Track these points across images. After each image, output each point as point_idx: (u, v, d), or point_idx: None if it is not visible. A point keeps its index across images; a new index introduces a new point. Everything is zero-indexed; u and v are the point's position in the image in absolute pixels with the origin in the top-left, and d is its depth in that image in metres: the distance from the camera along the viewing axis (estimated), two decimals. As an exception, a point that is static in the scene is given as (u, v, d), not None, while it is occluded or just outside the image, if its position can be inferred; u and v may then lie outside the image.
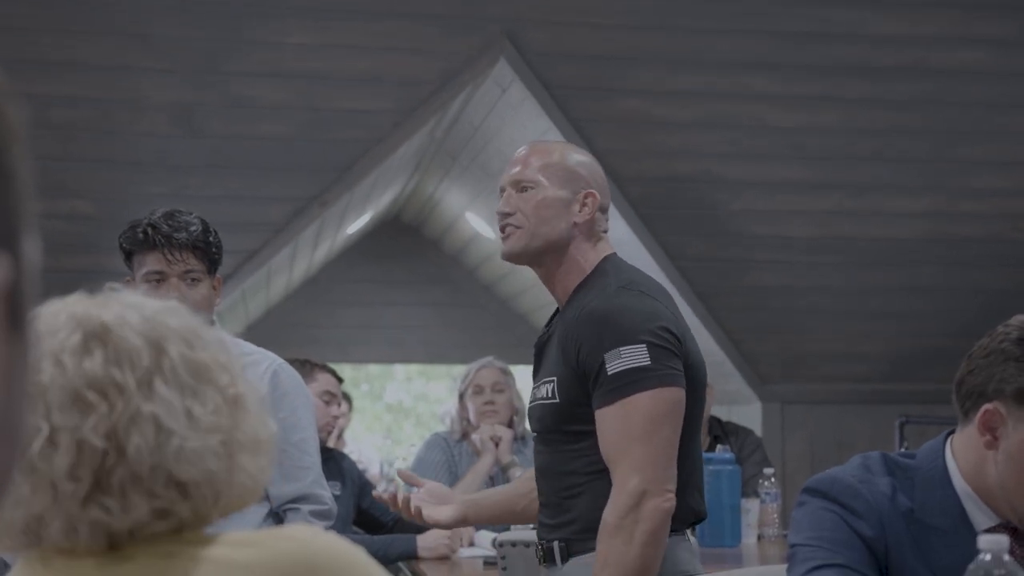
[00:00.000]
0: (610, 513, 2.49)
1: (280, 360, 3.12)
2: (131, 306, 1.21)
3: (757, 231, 5.97)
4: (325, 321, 8.63)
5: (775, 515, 4.45)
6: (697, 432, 2.70)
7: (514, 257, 2.73)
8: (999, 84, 5.74)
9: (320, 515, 3.06)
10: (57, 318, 1.18)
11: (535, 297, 8.02)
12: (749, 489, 4.52)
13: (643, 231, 5.78)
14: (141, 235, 2.92)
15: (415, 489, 2.86)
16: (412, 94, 5.37)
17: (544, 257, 2.70)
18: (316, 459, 3.15)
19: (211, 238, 2.99)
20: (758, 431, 6.05)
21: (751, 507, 4.38)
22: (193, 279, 2.93)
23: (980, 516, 1.98)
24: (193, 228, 2.95)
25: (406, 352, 9.29)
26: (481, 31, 5.34)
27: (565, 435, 2.63)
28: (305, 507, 3.05)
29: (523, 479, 2.96)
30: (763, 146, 5.75)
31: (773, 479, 4.51)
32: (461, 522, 2.90)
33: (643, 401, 2.50)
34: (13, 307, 0.66)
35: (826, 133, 5.77)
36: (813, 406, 6.44)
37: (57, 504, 1.13)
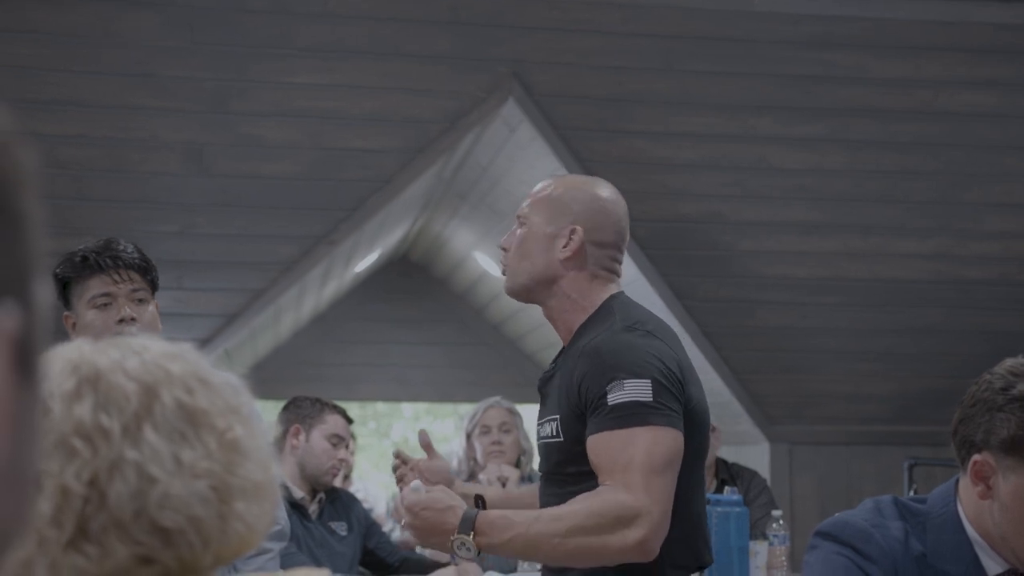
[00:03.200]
0: (609, 493, 2.39)
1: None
2: (134, 351, 1.20)
3: (764, 272, 5.97)
4: (333, 359, 8.63)
5: (784, 557, 4.42)
6: (701, 479, 2.63)
7: (510, 294, 2.71)
8: (1005, 126, 5.75)
9: (274, 536, 3.01)
10: (55, 364, 1.17)
11: (543, 336, 8.01)
12: (757, 531, 4.50)
13: (650, 271, 5.78)
14: (81, 261, 2.87)
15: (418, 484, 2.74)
16: (420, 134, 5.39)
17: (536, 294, 2.66)
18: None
19: (148, 259, 2.97)
20: (766, 472, 6.03)
21: (760, 549, 4.35)
22: (140, 299, 2.89)
23: (990, 562, 1.97)
24: (131, 249, 2.92)
25: (413, 390, 9.28)
26: (490, 72, 5.36)
27: (568, 477, 2.55)
28: None
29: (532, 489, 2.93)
30: (769, 187, 5.76)
31: (781, 521, 4.48)
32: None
33: (645, 435, 2.40)
34: (22, 354, 0.65)
35: (832, 175, 5.77)
36: (821, 447, 6.42)
37: (41, 550, 1.11)
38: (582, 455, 2.51)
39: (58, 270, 2.91)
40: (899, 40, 5.58)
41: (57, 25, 5.01)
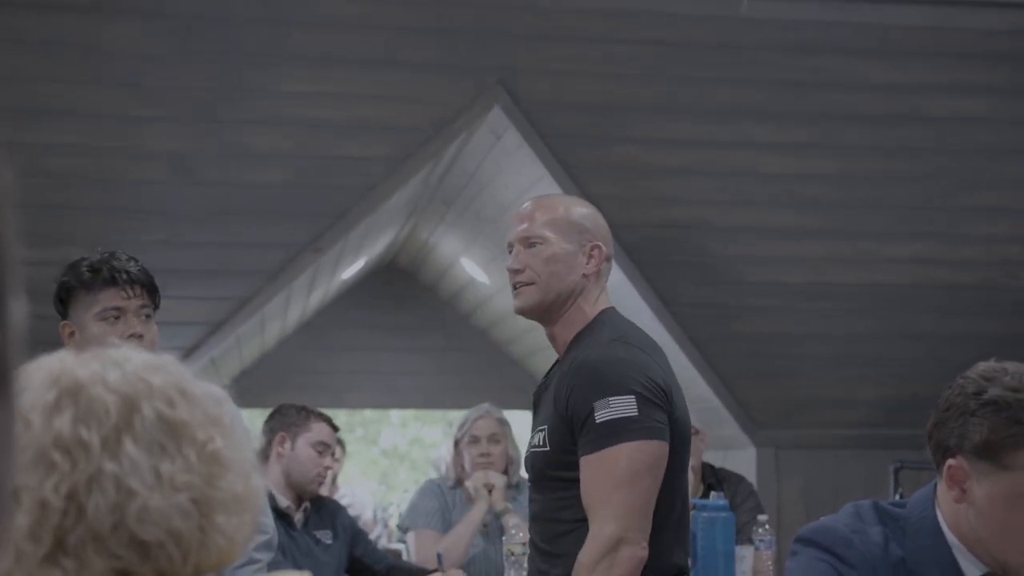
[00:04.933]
0: (585, 555, 2.54)
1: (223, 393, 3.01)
2: (115, 363, 1.19)
3: (751, 277, 5.98)
4: (320, 367, 8.62)
5: (770, 562, 4.42)
6: (683, 486, 2.74)
7: (527, 312, 2.78)
8: (992, 131, 5.77)
9: (262, 547, 3.01)
10: (35, 376, 1.17)
11: (529, 343, 8.02)
12: (743, 536, 4.50)
13: (637, 277, 5.79)
14: (92, 272, 2.86)
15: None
16: (406, 141, 5.39)
17: (554, 311, 2.76)
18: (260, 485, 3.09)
19: (153, 278, 2.97)
20: (752, 476, 6.04)
21: (746, 554, 4.36)
22: (147, 315, 2.90)
23: (969, 566, 1.98)
24: (138, 265, 2.92)
25: (400, 397, 9.28)
26: (476, 79, 5.37)
27: (555, 482, 2.68)
28: None
29: None
30: (757, 193, 5.77)
31: (767, 526, 4.49)
32: None
33: (627, 452, 2.55)
34: None
35: (820, 180, 5.79)
36: (807, 451, 6.44)
37: (19, 564, 1.11)
38: (566, 464, 2.65)
39: (64, 278, 2.91)
40: (886, 46, 5.59)
41: (45, 34, 5.00)
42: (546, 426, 2.69)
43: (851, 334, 6.18)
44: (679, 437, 2.67)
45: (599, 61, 5.42)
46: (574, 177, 5.49)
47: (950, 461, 1.94)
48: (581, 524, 2.61)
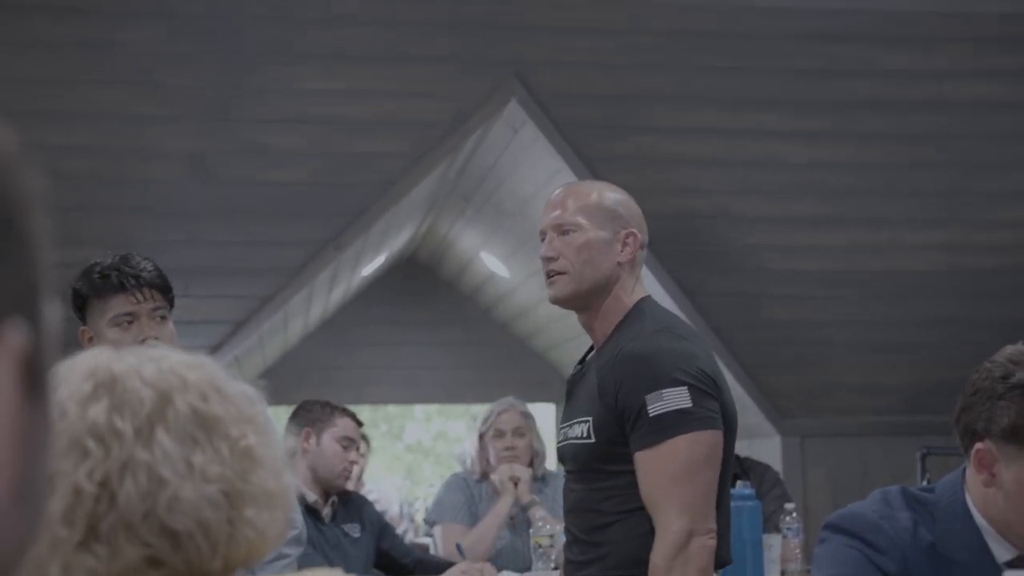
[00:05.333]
0: (659, 556, 2.50)
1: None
2: (151, 359, 1.22)
3: (772, 266, 5.97)
4: (342, 362, 8.64)
5: (798, 550, 4.42)
6: (727, 479, 2.69)
7: (562, 301, 2.73)
8: (1013, 115, 5.74)
9: (291, 542, 3.03)
10: (74, 370, 1.19)
11: (550, 336, 8.02)
12: (770, 525, 4.50)
13: (658, 268, 5.78)
14: (102, 279, 2.86)
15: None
16: (424, 137, 5.39)
17: (591, 299, 2.70)
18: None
19: (166, 277, 2.97)
20: (778, 465, 6.03)
21: (773, 543, 4.35)
22: (162, 316, 2.89)
23: (999, 549, 1.97)
24: (151, 266, 2.91)
25: (423, 392, 9.28)
26: (492, 73, 5.36)
27: (600, 474, 2.63)
28: None
29: None
30: (776, 182, 5.76)
31: (794, 514, 4.48)
32: None
33: (684, 444, 2.51)
34: (32, 373, 0.66)
35: (839, 168, 5.77)
36: (833, 439, 6.42)
37: (53, 550, 1.13)
38: (614, 456, 2.60)
39: (77, 285, 2.91)
40: (904, 32, 5.57)
41: (60, 36, 5.02)
42: (590, 418, 2.62)
43: (875, 321, 6.17)
44: (727, 425, 2.63)
45: (615, 52, 5.41)
46: (592, 169, 5.48)
47: (978, 445, 1.94)
48: (624, 515, 2.58)
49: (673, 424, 2.50)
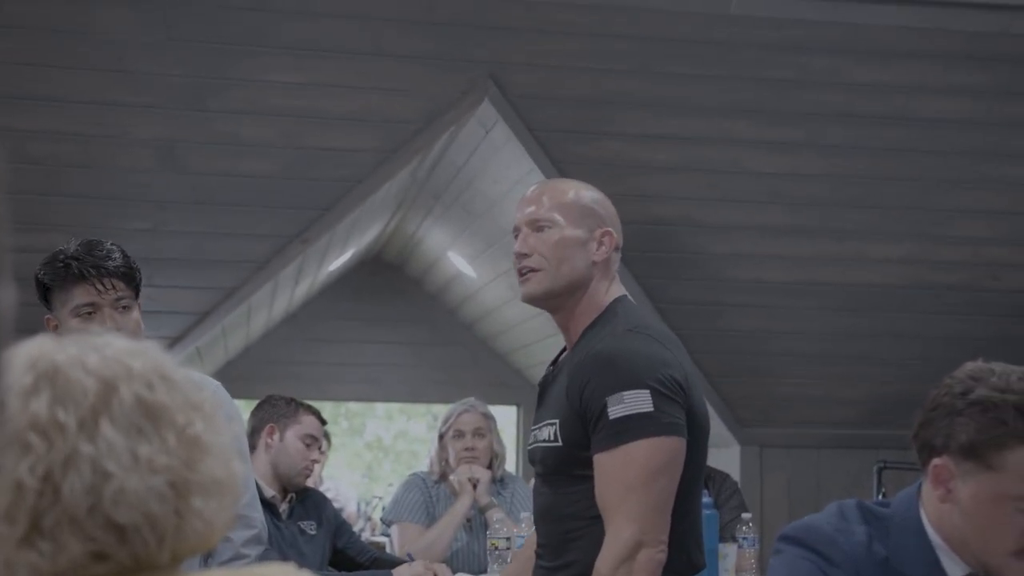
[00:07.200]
0: (603, 563, 2.43)
1: (217, 383, 2.98)
2: (95, 347, 1.19)
3: (737, 275, 5.99)
4: (305, 358, 8.61)
5: (753, 560, 4.43)
6: (699, 483, 2.63)
7: (535, 300, 2.68)
8: (979, 133, 5.78)
9: (251, 541, 3.00)
10: (14, 360, 1.16)
11: (515, 338, 8.02)
12: (727, 534, 4.51)
13: (623, 272, 5.75)
14: (64, 268, 2.82)
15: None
16: (395, 134, 5.38)
17: (564, 298, 2.65)
18: (250, 478, 3.09)
19: (132, 263, 2.92)
20: (736, 474, 6.05)
21: (729, 552, 4.37)
22: (124, 307, 2.84)
23: (952, 565, 1.98)
24: (116, 255, 2.86)
25: (385, 390, 9.26)
26: (466, 72, 5.36)
27: (567, 478, 2.57)
28: (236, 535, 2.97)
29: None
30: (743, 191, 5.78)
31: (751, 524, 4.50)
32: None
33: (642, 449, 2.43)
34: None
35: (806, 179, 5.79)
36: (791, 450, 6.45)
37: None
38: (580, 459, 2.53)
39: (40, 274, 2.87)
40: (874, 46, 5.59)
41: (32, 19, 4.97)
42: (557, 420, 2.56)
43: (836, 333, 6.20)
44: (698, 431, 2.55)
45: (589, 56, 5.42)
46: (562, 172, 5.48)
47: (935, 460, 1.95)
48: (594, 520, 2.51)
49: (633, 428, 2.42)
